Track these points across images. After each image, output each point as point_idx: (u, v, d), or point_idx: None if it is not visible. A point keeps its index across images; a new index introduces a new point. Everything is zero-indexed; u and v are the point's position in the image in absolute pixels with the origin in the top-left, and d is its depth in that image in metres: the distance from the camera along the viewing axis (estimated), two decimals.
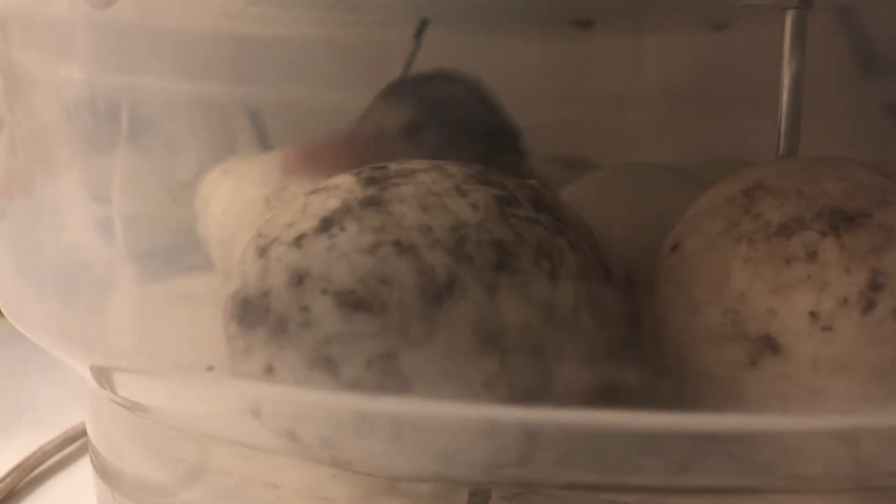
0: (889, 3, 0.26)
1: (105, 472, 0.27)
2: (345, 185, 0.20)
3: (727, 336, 0.18)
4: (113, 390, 0.24)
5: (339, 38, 0.29)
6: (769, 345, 0.18)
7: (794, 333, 0.18)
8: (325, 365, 0.18)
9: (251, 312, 0.19)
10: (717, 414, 0.19)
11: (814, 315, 0.18)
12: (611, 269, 0.21)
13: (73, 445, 0.33)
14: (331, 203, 0.19)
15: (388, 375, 0.18)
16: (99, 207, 0.28)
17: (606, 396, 0.19)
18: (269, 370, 0.18)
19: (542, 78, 0.29)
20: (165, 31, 0.27)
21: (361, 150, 0.25)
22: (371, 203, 0.19)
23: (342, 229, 0.18)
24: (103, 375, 0.24)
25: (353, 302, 0.18)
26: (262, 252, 0.19)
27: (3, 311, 0.27)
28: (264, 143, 0.31)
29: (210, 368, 0.21)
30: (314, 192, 0.20)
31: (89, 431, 0.28)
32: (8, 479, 0.30)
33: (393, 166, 0.20)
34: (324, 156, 0.22)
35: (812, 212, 0.18)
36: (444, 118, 0.26)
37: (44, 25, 0.26)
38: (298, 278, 0.18)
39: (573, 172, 0.29)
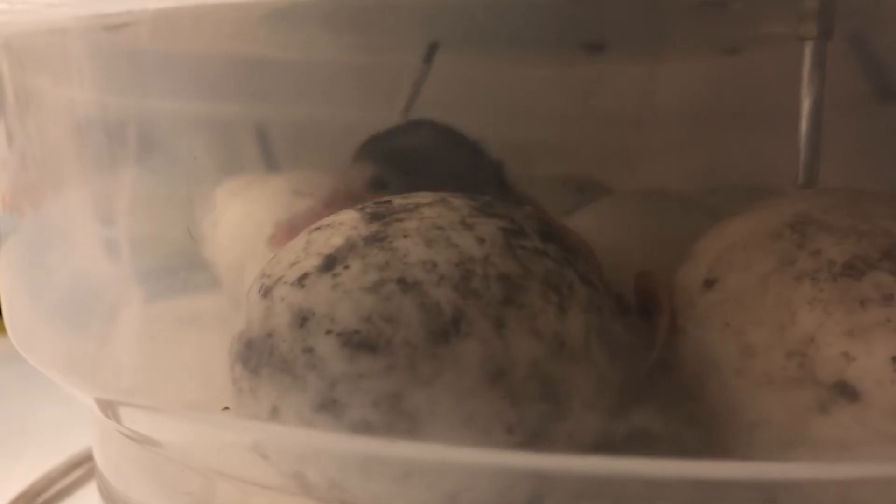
0: None
1: (112, 500, 0.27)
2: (349, 221, 0.19)
3: (792, 380, 0.18)
4: (119, 422, 0.24)
5: (351, 61, 0.29)
6: (845, 391, 0.17)
7: (875, 379, 0.17)
8: (331, 407, 0.17)
9: (255, 354, 0.18)
10: (774, 462, 0.18)
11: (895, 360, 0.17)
12: (624, 299, 0.21)
13: (79, 471, 0.32)
14: (334, 240, 0.19)
15: (395, 416, 0.17)
16: (106, 229, 0.28)
17: (626, 437, 0.18)
18: (274, 412, 0.18)
19: (553, 101, 0.29)
20: (176, 54, 0.27)
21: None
22: (375, 239, 0.19)
23: (346, 267, 0.18)
24: (109, 409, 0.24)
25: (358, 342, 0.17)
26: (266, 292, 0.19)
27: (13, 341, 0.27)
28: (273, 164, 0.31)
29: (225, 409, 0.20)
30: (318, 229, 0.20)
31: (97, 458, 0.28)
32: None
33: (397, 200, 0.20)
34: (307, 223, 0.22)
35: (877, 251, 0.18)
36: (408, 168, 0.26)
37: (53, 46, 0.26)
38: (302, 319, 0.18)
39: (584, 197, 0.29)
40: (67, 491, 0.32)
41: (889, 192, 0.20)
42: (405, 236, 0.18)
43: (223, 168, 0.30)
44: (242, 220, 0.29)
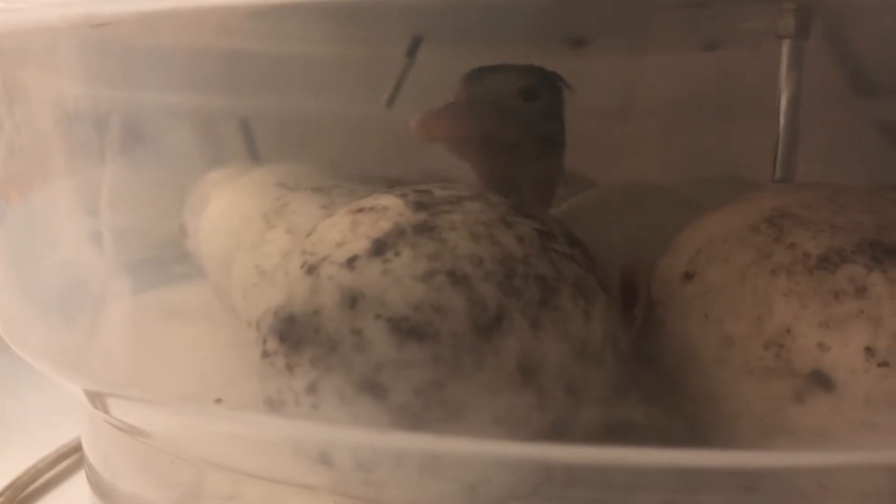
0: (877, 26, 0.26)
1: (101, 491, 0.27)
2: (393, 206, 0.19)
3: (770, 370, 0.18)
4: (108, 413, 0.24)
5: (334, 54, 0.29)
6: (820, 380, 0.18)
7: (849, 369, 0.17)
8: (374, 390, 0.18)
9: (297, 330, 0.18)
10: (754, 450, 0.19)
11: (869, 350, 0.17)
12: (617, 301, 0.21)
13: (66, 461, 0.32)
14: (382, 224, 0.19)
15: (434, 404, 0.18)
16: (93, 220, 0.28)
17: (622, 433, 0.19)
18: (311, 389, 0.18)
19: None
20: (161, 47, 0.27)
21: (482, 112, 0.24)
22: (424, 229, 0.19)
23: (397, 254, 0.18)
24: (99, 400, 0.24)
25: (407, 329, 0.18)
26: (312, 270, 0.19)
27: (1, 333, 0.27)
28: (257, 156, 0.31)
29: (218, 401, 0.20)
30: (361, 210, 0.20)
31: (86, 448, 0.28)
32: (1, 499, 0.30)
33: (437, 191, 0.20)
34: (446, 118, 0.22)
35: (851, 244, 0.18)
36: (553, 92, 0.25)
37: (41, 40, 0.26)
38: (352, 300, 0.18)
39: (567, 190, 0.29)
40: (55, 482, 0.32)
41: (866, 187, 0.21)
42: (453, 229, 0.19)
43: (208, 160, 0.30)
44: (226, 212, 0.29)
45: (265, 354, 0.19)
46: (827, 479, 0.18)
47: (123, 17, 0.23)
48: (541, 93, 0.25)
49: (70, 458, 0.33)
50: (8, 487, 0.30)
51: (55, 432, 0.34)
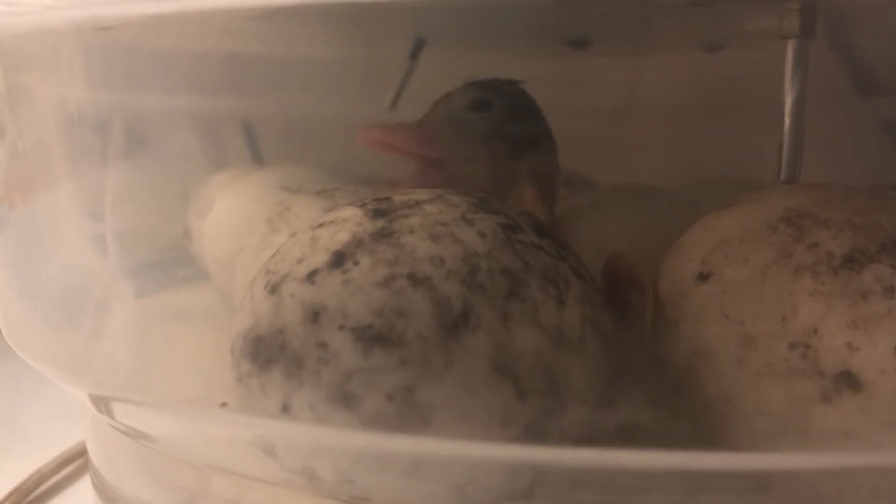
0: (882, 26, 0.26)
1: (106, 495, 0.27)
2: (352, 217, 0.20)
3: (795, 371, 0.18)
4: (113, 417, 0.24)
5: (337, 56, 0.29)
6: (848, 381, 0.17)
7: (878, 369, 0.17)
8: (346, 400, 0.18)
9: (265, 350, 0.19)
10: (776, 452, 0.18)
11: None
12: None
13: (71, 466, 0.32)
14: (341, 236, 0.19)
15: (408, 409, 0.17)
16: (97, 224, 0.28)
17: (615, 429, 0.19)
18: (285, 408, 0.18)
19: (539, 97, 0.29)
20: (163, 50, 0.27)
21: (433, 128, 0.25)
22: (382, 235, 0.19)
23: (355, 263, 0.18)
24: (103, 404, 0.24)
25: (372, 336, 0.18)
26: (274, 289, 0.19)
27: (6, 337, 0.27)
28: (260, 159, 0.31)
29: (223, 405, 0.20)
30: (321, 225, 0.20)
31: (90, 452, 0.28)
32: (6, 503, 0.30)
33: (397, 198, 0.20)
34: (401, 134, 0.22)
35: (875, 244, 0.18)
36: (508, 98, 0.26)
37: (43, 44, 0.26)
38: (314, 314, 0.18)
39: (569, 190, 0.29)
40: (60, 486, 0.32)
41: (874, 187, 0.21)
42: (411, 232, 0.19)
43: (211, 163, 0.30)
44: (230, 215, 0.29)
45: (239, 378, 0.19)
46: (847, 480, 0.18)
47: (126, 20, 0.23)
48: (491, 102, 0.26)
49: (74, 463, 0.33)
50: (13, 492, 0.30)
51: (59, 436, 0.34)
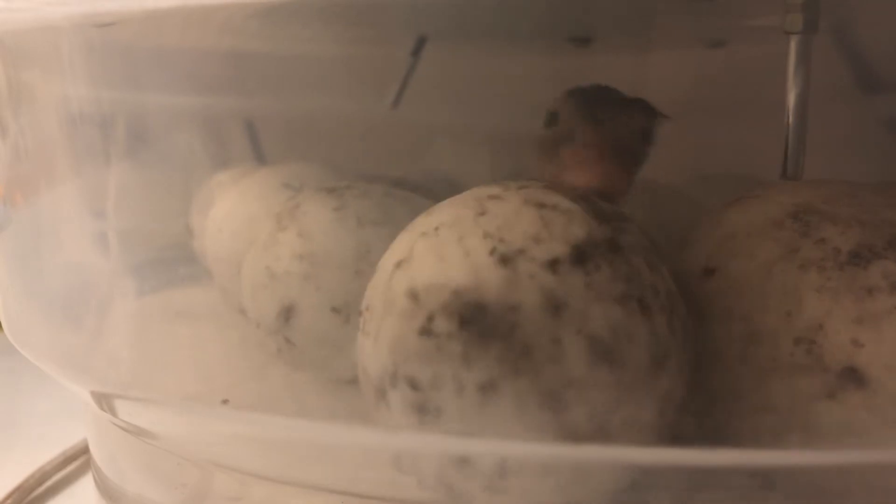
0: (886, 22, 0.26)
1: (108, 493, 0.27)
2: (575, 211, 0.18)
3: (800, 367, 0.18)
4: (115, 415, 0.24)
5: (339, 54, 0.29)
6: (853, 377, 0.17)
7: (884, 366, 0.17)
8: (556, 404, 0.17)
9: (488, 322, 0.17)
10: (782, 448, 0.18)
11: None
12: None
13: (73, 464, 0.32)
14: (575, 231, 0.18)
15: (600, 427, 0.17)
16: (99, 222, 0.28)
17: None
18: (489, 387, 0.17)
19: (541, 94, 0.29)
20: (166, 48, 0.27)
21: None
22: (614, 246, 0.18)
23: (596, 268, 0.17)
24: (105, 401, 0.24)
25: (602, 350, 0.17)
26: (506, 260, 0.18)
27: (8, 335, 0.27)
28: (262, 157, 0.31)
29: (225, 402, 0.20)
30: (542, 206, 0.18)
31: (92, 450, 0.28)
32: (8, 502, 0.30)
33: (603, 204, 0.19)
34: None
35: (882, 240, 0.18)
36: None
37: (45, 41, 0.26)
38: (555, 308, 0.17)
39: None
40: (62, 484, 0.32)
41: (881, 183, 0.21)
42: (634, 252, 0.18)
43: (213, 161, 0.30)
44: (232, 213, 0.29)
45: (428, 333, 0.18)
46: (850, 476, 0.18)
47: (125, 16, 0.23)
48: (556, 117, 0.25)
49: (77, 461, 0.33)
50: (15, 490, 0.30)
51: (62, 434, 0.34)
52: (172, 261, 0.30)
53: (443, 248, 0.18)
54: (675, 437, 0.18)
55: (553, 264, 0.17)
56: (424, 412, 0.18)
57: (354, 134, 0.30)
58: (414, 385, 0.18)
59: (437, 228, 0.19)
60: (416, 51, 0.29)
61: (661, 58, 0.28)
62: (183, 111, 0.28)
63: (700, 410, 0.19)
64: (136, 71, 0.27)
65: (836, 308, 0.18)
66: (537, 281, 0.17)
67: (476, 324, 0.17)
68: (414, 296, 0.18)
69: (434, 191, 0.25)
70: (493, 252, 0.18)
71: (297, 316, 0.24)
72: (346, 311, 0.24)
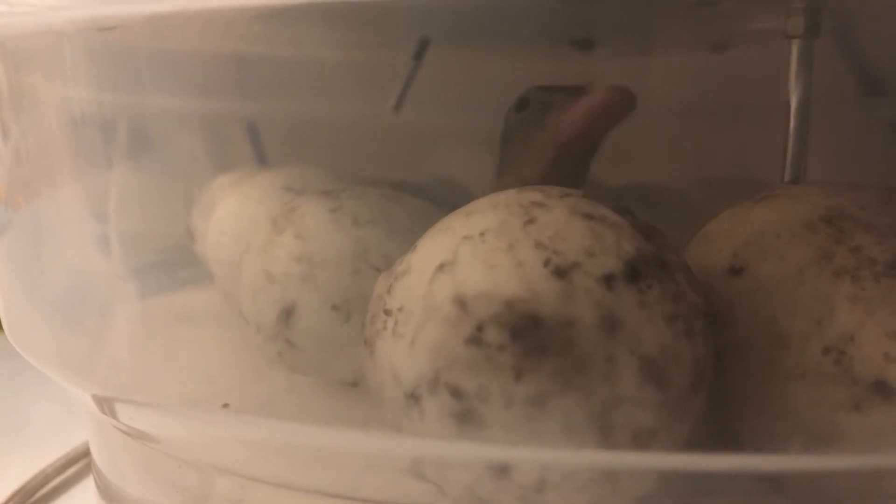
0: (887, 26, 0.26)
1: (109, 496, 0.27)
2: (623, 225, 0.18)
3: (827, 376, 0.17)
4: (116, 418, 0.24)
5: (342, 57, 0.29)
6: (882, 390, 0.17)
7: None
8: (603, 422, 0.17)
9: (543, 335, 0.17)
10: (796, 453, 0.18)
11: None
12: None
13: (74, 467, 0.32)
14: (626, 245, 0.18)
15: (642, 447, 0.17)
16: (101, 225, 0.28)
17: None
18: (539, 400, 0.17)
19: None
20: (168, 50, 0.27)
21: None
22: (662, 263, 0.18)
23: (649, 286, 0.17)
24: (106, 405, 0.24)
25: (652, 371, 0.17)
26: (561, 273, 0.17)
27: (9, 338, 0.27)
28: (264, 160, 0.31)
29: (225, 405, 0.20)
30: (590, 217, 0.18)
31: (93, 453, 0.28)
32: None
33: (644, 219, 0.19)
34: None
35: None
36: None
37: (47, 44, 0.26)
38: (611, 325, 0.17)
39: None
40: (64, 487, 0.32)
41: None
42: (679, 270, 0.18)
43: (215, 164, 0.30)
44: (234, 216, 0.29)
45: (477, 342, 0.17)
46: (868, 484, 0.18)
47: (127, 19, 0.23)
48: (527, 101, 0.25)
49: (78, 464, 0.33)
50: (16, 493, 0.30)
51: (63, 437, 0.34)
52: (174, 264, 0.30)
53: (492, 256, 0.18)
54: (691, 441, 0.18)
55: (608, 280, 0.17)
56: (466, 422, 0.17)
57: (356, 137, 0.30)
58: (456, 393, 0.17)
59: (482, 234, 0.18)
60: (419, 54, 0.29)
61: (663, 61, 0.28)
62: (185, 114, 0.28)
63: (716, 415, 0.19)
64: (138, 74, 0.27)
65: (869, 320, 0.17)
66: (594, 298, 0.17)
67: (530, 337, 0.17)
68: (461, 303, 0.17)
69: (437, 194, 0.25)
70: (547, 263, 0.17)
71: (298, 316, 0.24)
72: (347, 309, 0.24)
